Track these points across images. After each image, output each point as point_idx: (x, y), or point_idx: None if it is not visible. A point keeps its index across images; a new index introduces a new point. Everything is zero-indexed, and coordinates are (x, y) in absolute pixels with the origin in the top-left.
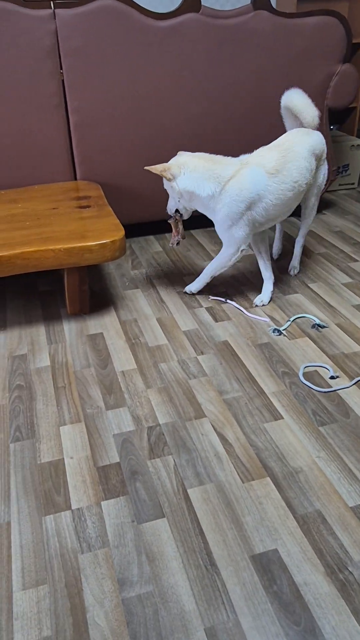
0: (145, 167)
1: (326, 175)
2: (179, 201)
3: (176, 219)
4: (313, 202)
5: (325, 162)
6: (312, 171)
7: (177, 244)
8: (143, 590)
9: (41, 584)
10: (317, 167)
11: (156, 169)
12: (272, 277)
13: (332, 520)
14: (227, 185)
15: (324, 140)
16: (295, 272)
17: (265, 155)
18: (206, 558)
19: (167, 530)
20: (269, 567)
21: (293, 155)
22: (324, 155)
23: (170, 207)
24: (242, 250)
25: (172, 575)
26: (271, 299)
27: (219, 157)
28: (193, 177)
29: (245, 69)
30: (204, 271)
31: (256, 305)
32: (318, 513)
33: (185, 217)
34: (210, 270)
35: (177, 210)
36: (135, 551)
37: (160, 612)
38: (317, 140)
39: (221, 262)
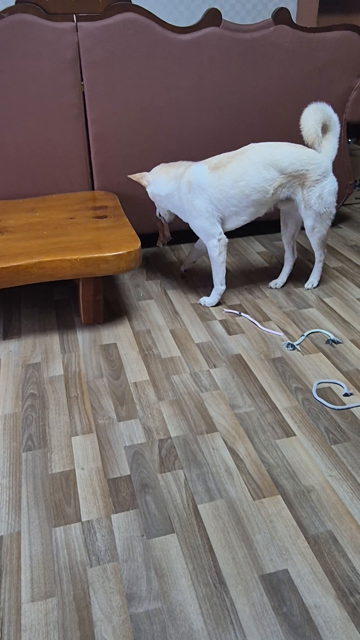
0: (128, 175)
1: (325, 200)
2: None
3: (161, 222)
4: (311, 224)
5: (320, 186)
6: (271, 181)
7: (163, 245)
8: (151, 606)
9: (50, 596)
10: (305, 187)
11: (135, 176)
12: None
13: (344, 541)
14: (180, 182)
15: (310, 161)
16: (312, 286)
17: (217, 156)
18: (215, 576)
19: (177, 546)
20: (279, 587)
21: (240, 157)
22: (312, 177)
23: (157, 212)
24: (220, 240)
25: (180, 592)
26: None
27: (181, 162)
28: (159, 180)
29: (265, 82)
30: (214, 282)
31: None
32: (329, 534)
33: (167, 220)
34: (215, 276)
35: (160, 215)
36: (144, 566)
37: (168, 629)
38: (288, 155)
39: (213, 259)
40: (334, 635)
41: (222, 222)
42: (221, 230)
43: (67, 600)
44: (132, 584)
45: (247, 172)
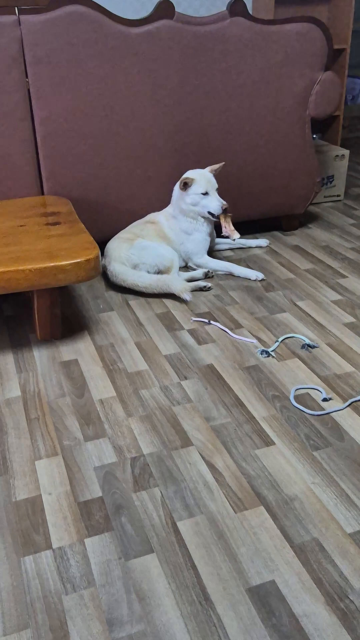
0: None
1: None
2: None
3: None
4: None
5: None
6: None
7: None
8: (134, 629)
9: (24, 628)
10: None
11: None
12: None
13: (331, 548)
14: None
15: None
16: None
17: None
18: (200, 593)
19: (157, 565)
20: (266, 599)
21: None
22: None
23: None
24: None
25: (164, 612)
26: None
27: None
28: None
29: (222, 77)
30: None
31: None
32: (316, 541)
33: None
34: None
35: None
36: (123, 589)
37: None
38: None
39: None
40: None
41: None
42: None
43: (43, 630)
44: (112, 609)
45: None
